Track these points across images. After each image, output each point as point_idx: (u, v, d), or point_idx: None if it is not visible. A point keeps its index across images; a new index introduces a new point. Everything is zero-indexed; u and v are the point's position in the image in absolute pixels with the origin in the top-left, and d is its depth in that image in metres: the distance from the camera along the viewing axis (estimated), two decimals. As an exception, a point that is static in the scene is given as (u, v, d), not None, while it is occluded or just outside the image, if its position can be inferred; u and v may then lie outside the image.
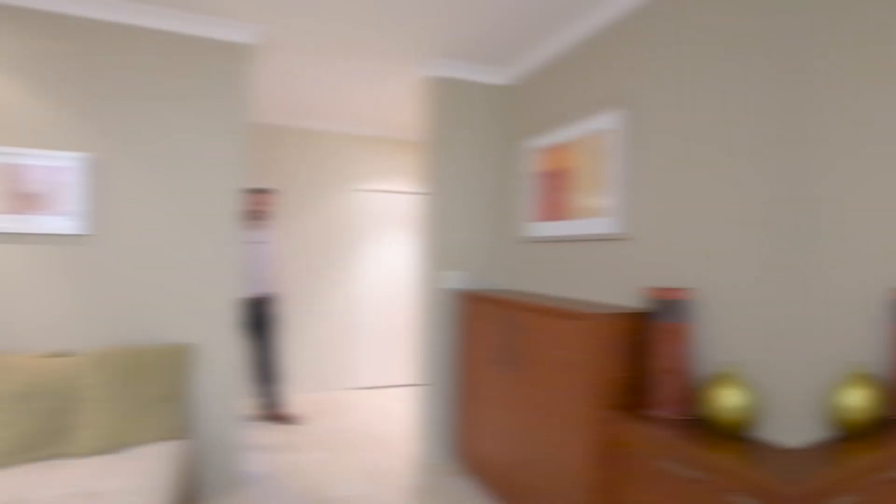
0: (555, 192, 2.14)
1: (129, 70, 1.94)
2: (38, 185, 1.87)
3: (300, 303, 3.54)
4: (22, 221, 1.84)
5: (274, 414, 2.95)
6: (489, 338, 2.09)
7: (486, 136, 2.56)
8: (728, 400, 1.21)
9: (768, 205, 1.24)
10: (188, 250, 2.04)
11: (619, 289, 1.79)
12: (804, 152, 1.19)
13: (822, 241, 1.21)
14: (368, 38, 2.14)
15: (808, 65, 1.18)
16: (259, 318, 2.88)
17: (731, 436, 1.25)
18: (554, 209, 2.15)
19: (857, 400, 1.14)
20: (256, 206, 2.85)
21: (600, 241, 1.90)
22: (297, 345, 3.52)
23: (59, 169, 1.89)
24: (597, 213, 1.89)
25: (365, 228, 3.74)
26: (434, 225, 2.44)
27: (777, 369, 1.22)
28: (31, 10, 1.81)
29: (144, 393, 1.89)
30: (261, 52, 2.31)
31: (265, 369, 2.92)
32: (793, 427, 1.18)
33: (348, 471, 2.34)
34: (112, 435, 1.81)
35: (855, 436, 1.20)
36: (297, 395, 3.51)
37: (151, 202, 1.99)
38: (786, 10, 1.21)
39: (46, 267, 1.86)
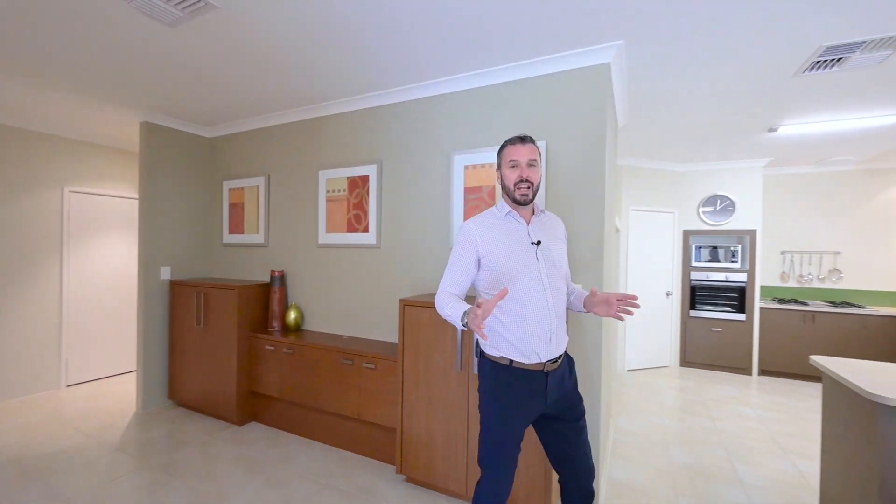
0: (237, 217, 3.50)
1: None
2: None
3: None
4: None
5: None
6: (191, 309, 3.20)
7: (192, 170, 3.61)
8: (291, 316, 3.02)
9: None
10: None
11: (257, 272, 3.39)
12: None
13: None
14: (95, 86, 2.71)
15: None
16: (557, 400, 1.49)
17: (295, 330, 3.04)
18: (236, 227, 3.51)
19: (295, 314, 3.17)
20: (523, 175, 1.46)
21: (252, 247, 3.45)
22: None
23: None
24: (253, 231, 3.42)
25: (85, 229, 3.90)
26: (149, 231, 3.32)
27: (310, 304, 3.13)
28: None
29: None
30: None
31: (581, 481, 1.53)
32: (318, 324, 3.11)
33: (66, 431, 2.96)
34: None
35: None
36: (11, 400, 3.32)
37: None
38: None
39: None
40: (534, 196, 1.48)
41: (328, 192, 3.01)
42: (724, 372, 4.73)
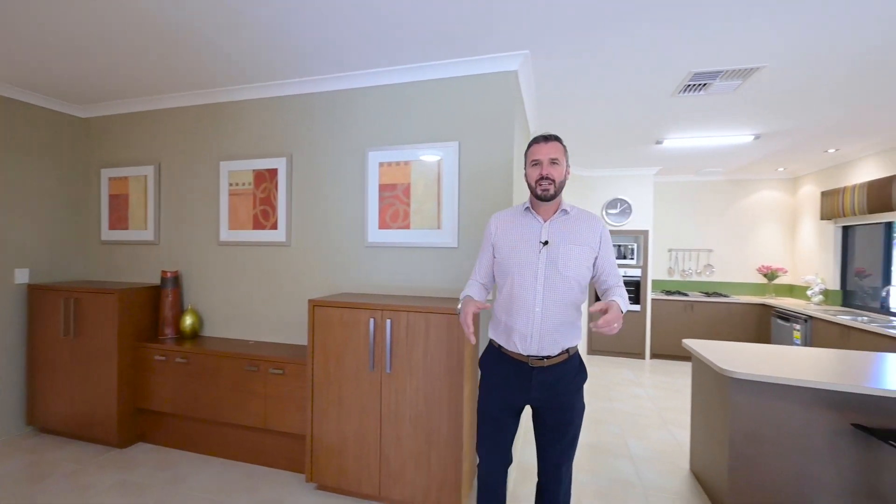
0: (119, 210, 3.04)
1: None
2: None
3: None
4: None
5: None
6: (57, 318, 2.72)
7: (60, 155, 3.07)
8: (188, 322, 2.72)
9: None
10: None
11: (145, 273, 3.01)
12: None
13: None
14: None
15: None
16: (544, 400, 1.50)
17: (191, 337, 2.75)
18: (119, 222, 3.06)
19: (192, 319, 2.93)
20: (543, 173, 1.47)
21: (139, 245, 3.04)
22: None
23: None
24: (141, 227, 3.01)
25: None
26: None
27: (209, 308, 2.88)
28: None
29: None
30: None
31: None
32: (219, 329, 2.87)
33: None
34: None
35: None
36: None
37: None
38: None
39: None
40: (556, 192, 1.47)
41: (231, 185, 2.76)
42: (624, 357, 5.27)
